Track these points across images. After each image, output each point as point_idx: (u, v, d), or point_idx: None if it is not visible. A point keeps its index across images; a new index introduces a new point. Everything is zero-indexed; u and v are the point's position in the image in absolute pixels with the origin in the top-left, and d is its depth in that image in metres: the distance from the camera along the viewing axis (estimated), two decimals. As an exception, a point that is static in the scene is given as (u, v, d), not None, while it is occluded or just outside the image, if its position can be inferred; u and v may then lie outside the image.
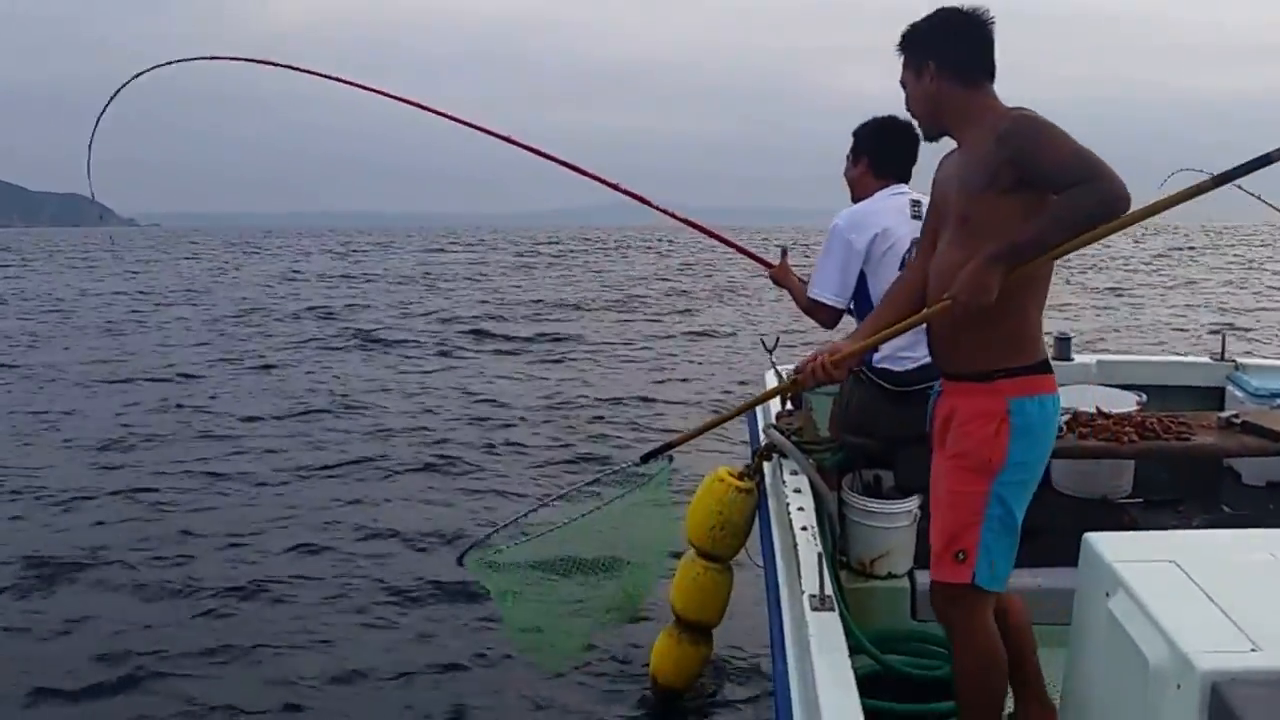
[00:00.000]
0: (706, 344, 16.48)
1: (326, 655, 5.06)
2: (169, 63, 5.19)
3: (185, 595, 5.85)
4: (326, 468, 8.74)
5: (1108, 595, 2.22)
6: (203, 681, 4.79)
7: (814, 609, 2.65)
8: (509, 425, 10.36)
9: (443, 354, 15.83)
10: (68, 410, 11.26)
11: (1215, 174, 2.65)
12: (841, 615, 2.75)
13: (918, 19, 2.99)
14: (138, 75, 5.27)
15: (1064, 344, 5.44)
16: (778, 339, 4.55)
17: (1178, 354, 6.37)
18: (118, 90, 5.31)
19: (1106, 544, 2.35)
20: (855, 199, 4.01)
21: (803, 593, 2.75)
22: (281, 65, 5.22)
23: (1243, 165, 2.54)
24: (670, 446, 3.93)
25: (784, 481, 3.60)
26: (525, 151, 4.79)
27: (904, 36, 2.98)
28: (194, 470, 8.58)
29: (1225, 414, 4.40)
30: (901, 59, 3.00)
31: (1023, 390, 2.73)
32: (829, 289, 3.88)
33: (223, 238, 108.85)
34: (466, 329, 18.99)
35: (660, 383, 12.76)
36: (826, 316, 3.94)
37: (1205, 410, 4.76)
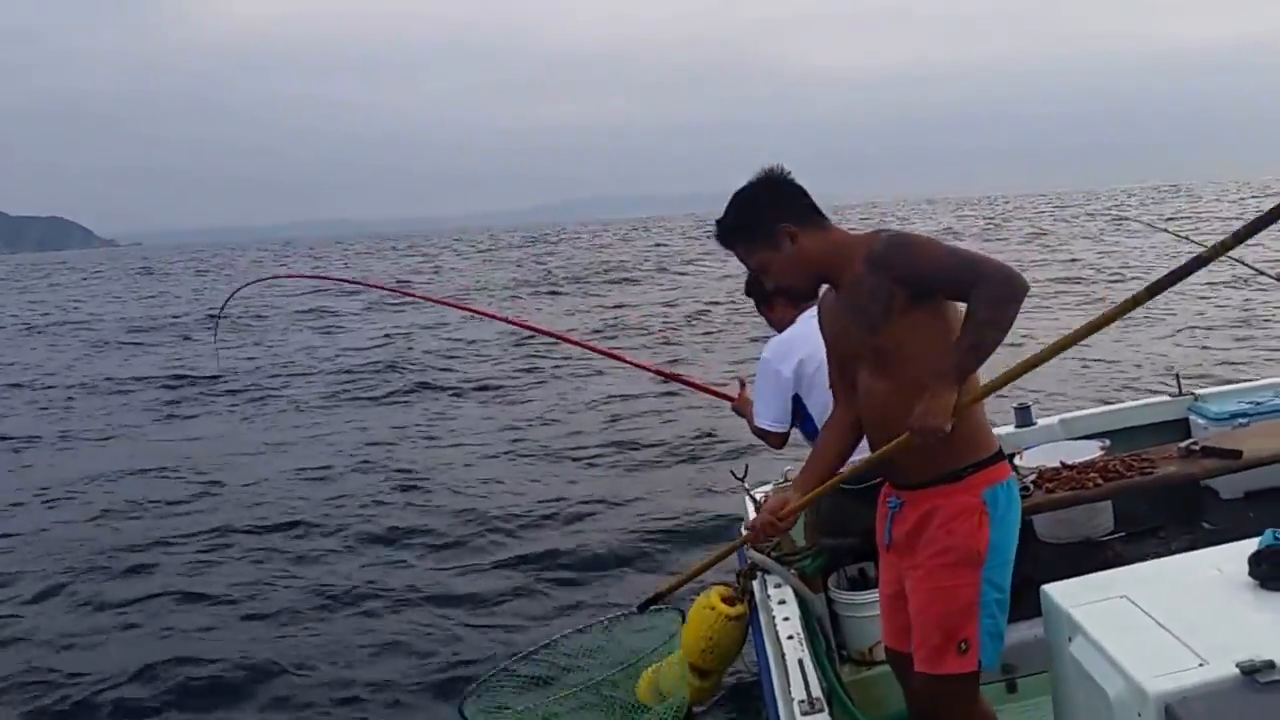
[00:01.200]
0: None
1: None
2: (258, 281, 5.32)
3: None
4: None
5: (1069, 640, 2.33)
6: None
7: (804, 713, 2.74)
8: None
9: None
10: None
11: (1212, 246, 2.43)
12: (846, 709, 2.85)
13: (728, 211, 2.99)
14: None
15: (1024, 412, 5.58)
16: (746, 468, 4.68)
17: (1136, 399, 6.52)
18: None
19: (1061, 592, 2.48)
20: (782, 331, 4.20)
21: (792, 699, 2.84)
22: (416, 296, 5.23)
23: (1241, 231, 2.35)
24: (662, 596, 4.02)
25: (769, 595, 3.71)
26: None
27: (734, 227, 2.98)
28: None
29: (1184, 443, 4.55)
30: (745, 249, 2.98)
31: (991, 480, 2.82)
32: (768, 417, 4.11)
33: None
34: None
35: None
36: (775, 440, 4.16)
37: (1172, 442, 4.90)
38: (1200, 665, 1.97)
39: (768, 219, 2.92)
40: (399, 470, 11.13)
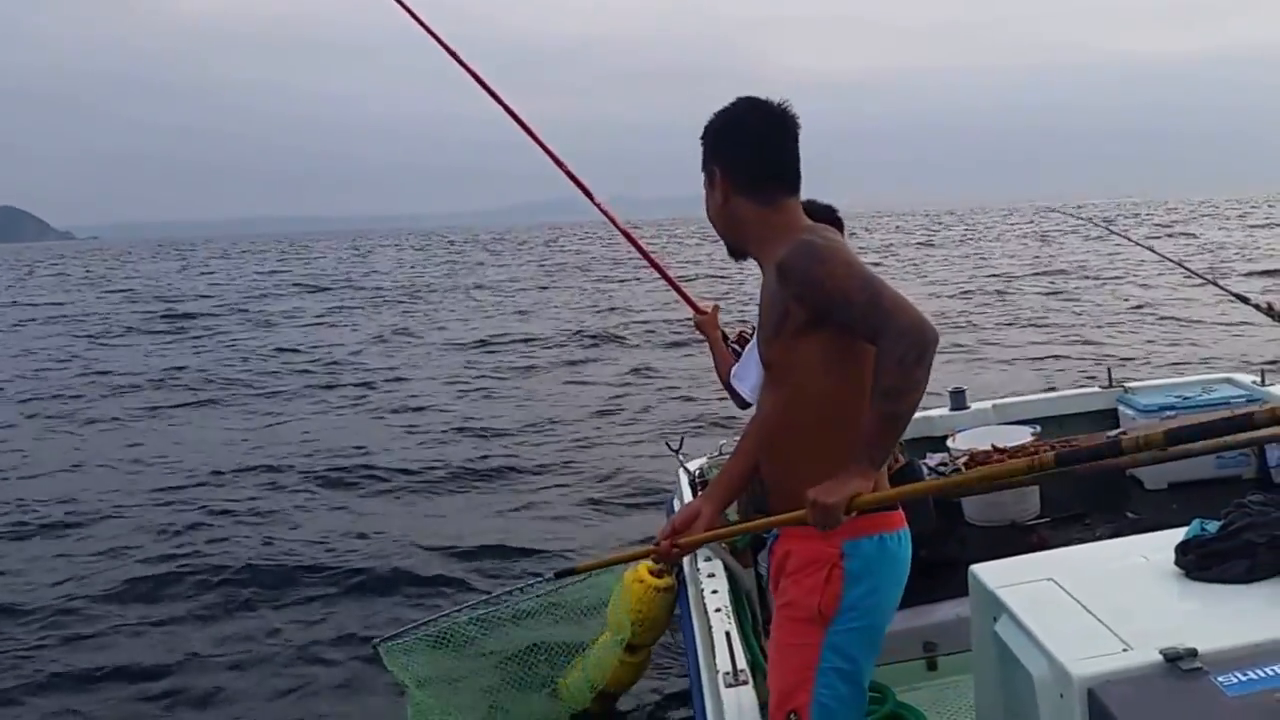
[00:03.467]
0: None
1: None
2: None
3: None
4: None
5: (994, 620, 2.33)
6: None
7: (728, 685, 2.73)
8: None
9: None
10: None
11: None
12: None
13: (721, 108, 2.62)
14: None
15: (959, 395, 5.62)
16: (682, 440, 4.64)
17: (1073, 390, 6.62)
18: None
19: (988, 572, 2.47)
20: None
21: (717, 671, 2.82)
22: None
23: None
24: (585, 570, 3.95)
25: (699, 569, 3.69)
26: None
27: (703, 130, 2.64)
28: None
29: (1113, 433, 4.60)
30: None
31: (858, 530, 2.43)
32: (749, 382, 3.93)
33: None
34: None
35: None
36: (739, 401, 4.01)
37: (1101, 432, 4.97)
38: (1124, 650, 1.98)
39: (709, 148, 2.62)
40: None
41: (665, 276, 4.42)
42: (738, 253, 2.68)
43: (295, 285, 39.52)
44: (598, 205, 4.51)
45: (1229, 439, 3.14)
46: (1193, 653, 1.92)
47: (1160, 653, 1.93)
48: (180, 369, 17.76)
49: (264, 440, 11.92)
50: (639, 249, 4.48)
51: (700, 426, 11.11)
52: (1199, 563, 2.34)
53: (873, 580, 2.47)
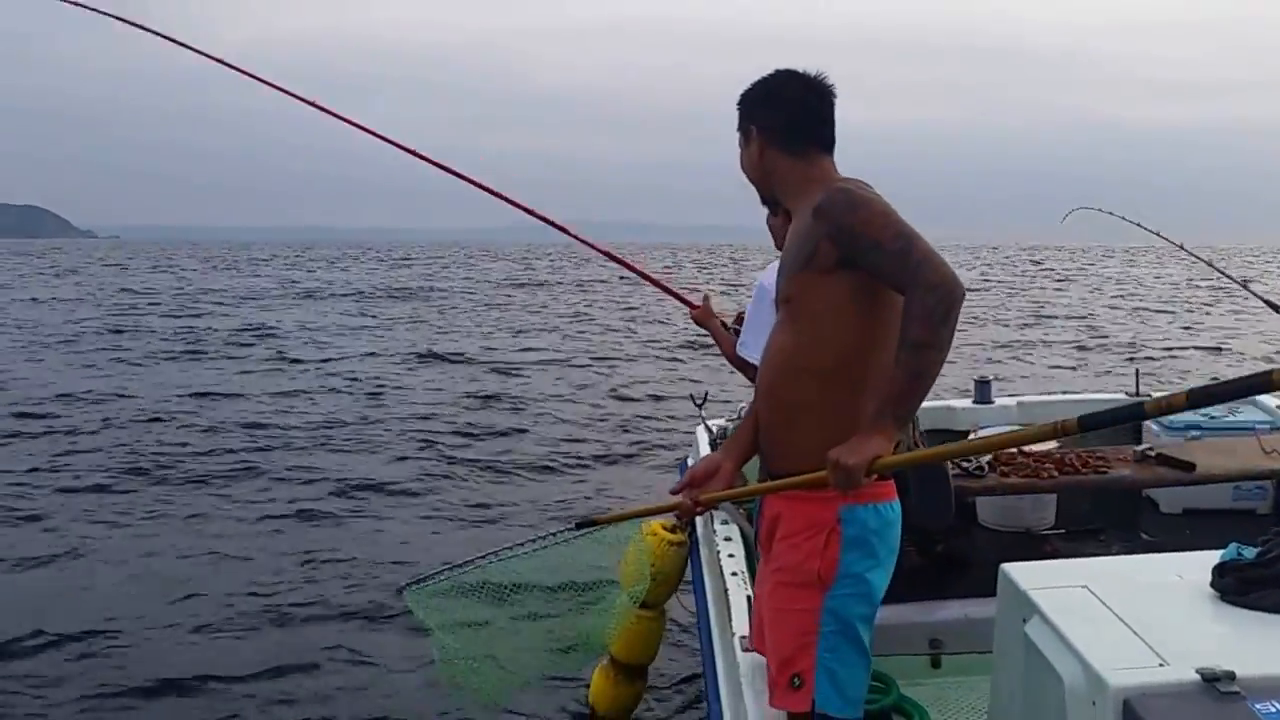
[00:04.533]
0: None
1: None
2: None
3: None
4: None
5: (1024, 621, 2.30)
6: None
7: (745, 650, 2.70)
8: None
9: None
10: None
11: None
12: None
13: (760, 77, 2.76)
14: None
15: (984, 387, 5.59)
16: (706, 394, 4.62)
17: (1098, 393, 6.57)
18: None
19: (1022, 573, 2.44)
20: (780, 246, 4.07)
21: (733, 634, 2.80)
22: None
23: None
24: (606, 521, 3.94)
25: (715, 531, 3.67)
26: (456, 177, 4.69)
27: (741, 95, 2.77)
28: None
29: (1141, 447, 4.56)
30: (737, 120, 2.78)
31: (856, 497, 2.44)
32: (754, 349, 3.91)
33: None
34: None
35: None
36: (750, 377, 3.99)
37: (1123, 444, 4.92)
38: (1161, 665, 1.95)
39: (746, 110, 2.73)
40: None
41: (654, 282, 4.56)
42: (769, 201, 2.87)
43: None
44: (577, 237, 4.79)
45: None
46: (1230, 675, 1.89)
47: (1198, 672, 1.90)
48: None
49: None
50: (623, 263, 4.64)
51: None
52: (1236, 587, 2.30)
53: (869, 548, 2.49)
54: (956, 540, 4.36)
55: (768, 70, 2.76)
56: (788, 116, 2.66)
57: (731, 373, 4.20)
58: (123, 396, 13.53)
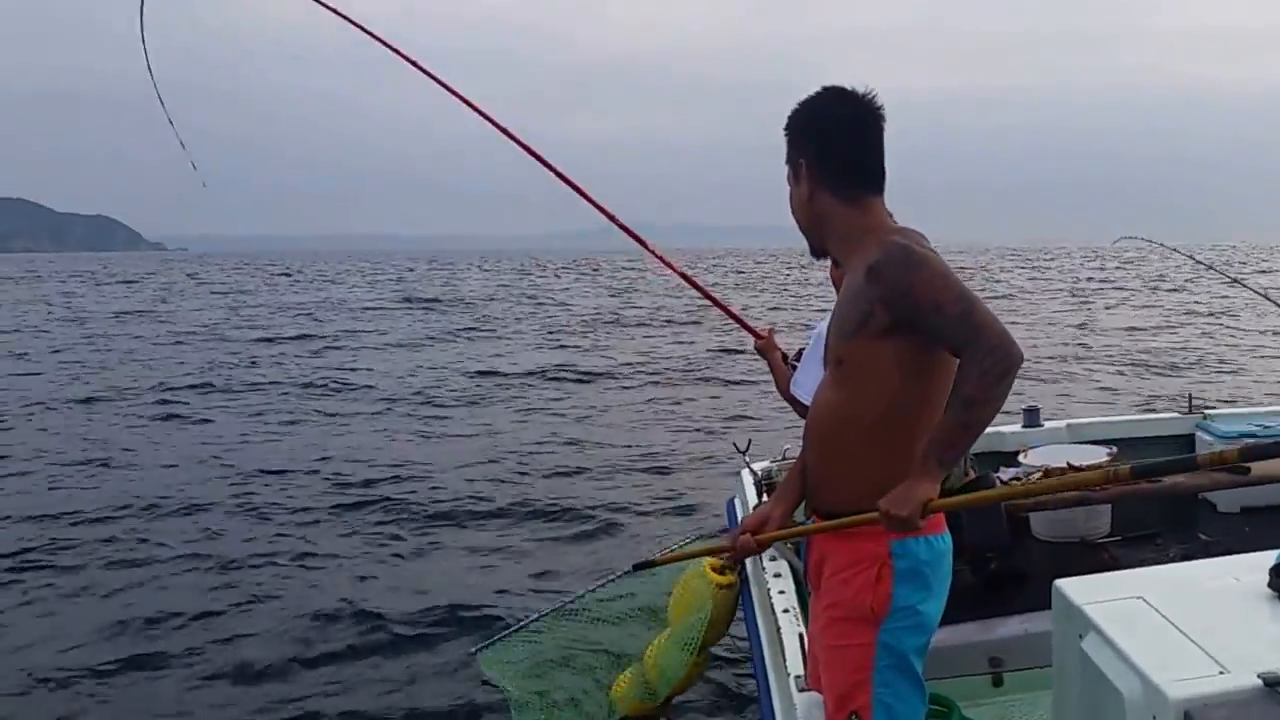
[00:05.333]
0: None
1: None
2: None
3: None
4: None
5: (1080, 637, 2.28)
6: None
7: (800, 689, 2.69)
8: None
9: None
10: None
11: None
12: None
13: (805, 97, 2.58)
14: None
15: (1033, 414, 5.58)
16: (749, 442, 4.66)
17: (1148, 414, 6.53)
18: None
19: (1075, 588, 2.41)
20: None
21: (788, 674, 2.79)
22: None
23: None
24: (662, 563, 3.96)
25: (764, 568, 3.67)
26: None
27: (788, 119, 2.60)
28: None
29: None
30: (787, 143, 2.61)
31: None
32: (805, 389, 3.91)
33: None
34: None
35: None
36: (801, 412, 4.00)
37: (1177, 455, 4.89)
38: (1220, 673, 1.92)
39: (792, 138, 2.58)
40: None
41: (723, 309, 4.56)
42: (818, 251, 2.66)
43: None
44: (653, 253, 4.68)
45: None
46: None
47: (1259, 676, 1.87)
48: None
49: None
50: (697, 287, 4.62)
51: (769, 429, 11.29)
52: (1295, 587, 2.27)
53: (922, 580, 2.49)
54: (1011, 556, 4.33)
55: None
56: (841, 151, 2.53)
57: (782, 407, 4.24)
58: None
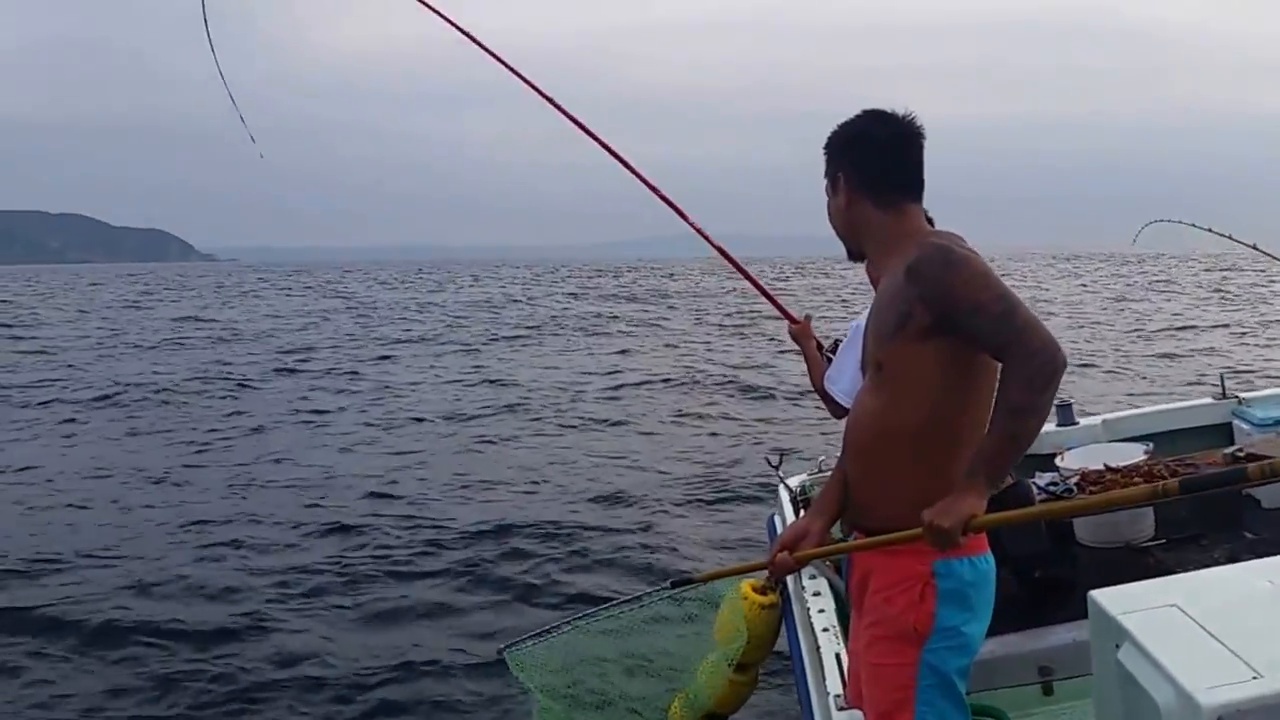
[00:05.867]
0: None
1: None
2: None
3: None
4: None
5: (1116, 647, 2.28)
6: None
7: (840, 708, 2.71)
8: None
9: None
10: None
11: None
12: None
13: (844, 120, 2.66)
14: None
15: (1065, 410, 5.53)
16: (782, 456, 4.65)
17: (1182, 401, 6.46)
18: None
19: (1110, 598, 2.42)
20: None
21: (828, 693, 2.81)
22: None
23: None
24: (702, 580, 3.96)
25: (804, 586, 3.68)
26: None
27: (827, 139, 2.69)
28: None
29: (1230, 449, 4.50)
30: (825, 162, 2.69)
31: (950, 551, 2.40)
32: (841, 386, 3.87)
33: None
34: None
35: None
36: (834, 409, 3.95)
37: (1216, 448, 4.84)
38: (1254, 679, 1.93)
39: (834, 155, 2.65)
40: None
41: (759, 288, 4.44)
42: (856, 254, 2.70)
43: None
44: (689, 222, 4.48)
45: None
46: None
47: None
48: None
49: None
50: (733, 263, 4.51)
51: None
52: (1331, 588, 2.27)
53: (967, 601, 2.47)
54: (1056, 563, 4.31)
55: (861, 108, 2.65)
56: (877, 164, 2.58)
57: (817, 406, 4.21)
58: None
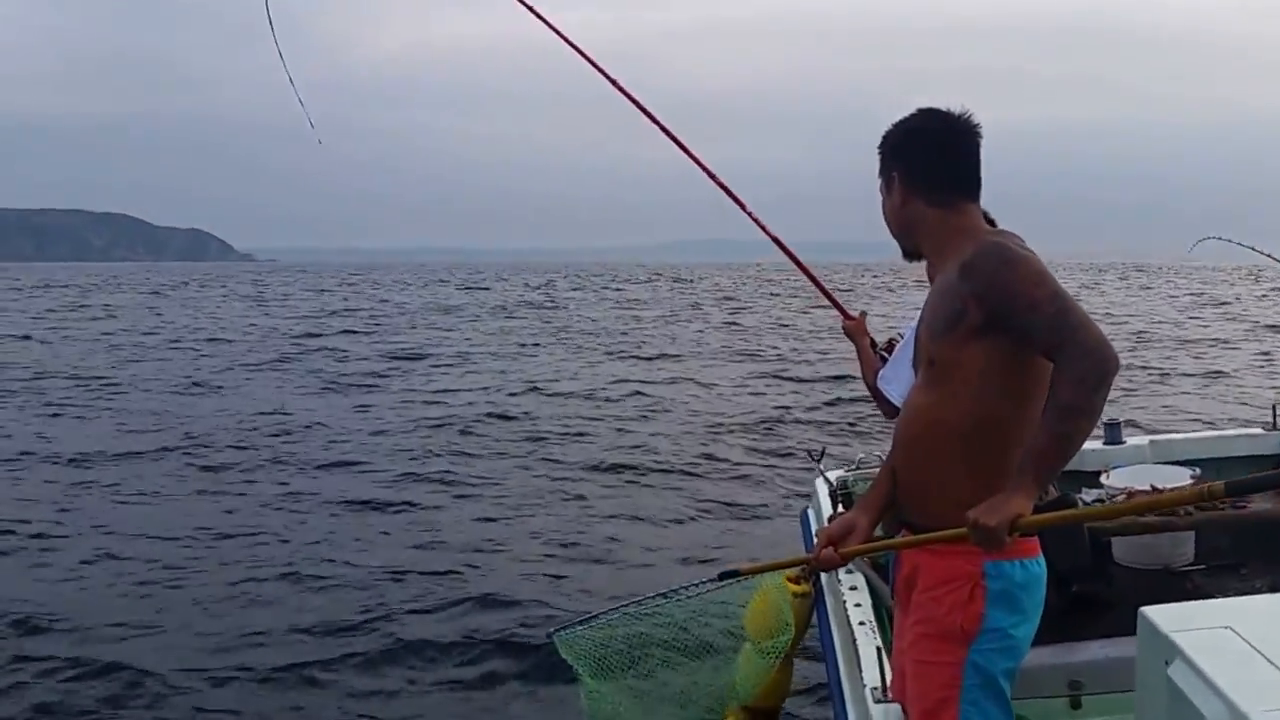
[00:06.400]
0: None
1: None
2: None
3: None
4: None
5: (1167, 664, 2.26)
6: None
7: (876, 701, 2.70)
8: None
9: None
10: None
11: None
12: None
13: (899, 119, 2.65)
14: None
15: (1114, 429, 5.48)
16: (823, 450, 4.65)
17: (1230, 428, 6.38)
18: None
19: (1162, 615, 2.39)
20: None
21: (864, 685, 2.80)
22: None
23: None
24: (748, 573, 3.95)
25: (840, 580, 3.67)
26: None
27: (882, 138, 2.67)
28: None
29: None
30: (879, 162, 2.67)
31: (1003, 552, 2.39)
32: (895, 385, 3.84)
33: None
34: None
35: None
36: (887, 409, 3.93)
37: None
38: None
39: (889, 154, 2.63)
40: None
41: (816, 282, 4.39)
42: (911, 253, 2.69)
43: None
44: (749, 214, 4.52)
45: None
46: None
47: None
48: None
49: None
50: (790, 255, 4.46)
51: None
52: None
53: (1016, 603, 2.47)
54: (1093, 580, 4.27)
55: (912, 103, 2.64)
56: (931, 162, 2.57)
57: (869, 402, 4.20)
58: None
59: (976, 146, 2.58)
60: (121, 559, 7.90)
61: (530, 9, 4.84)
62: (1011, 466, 2.37)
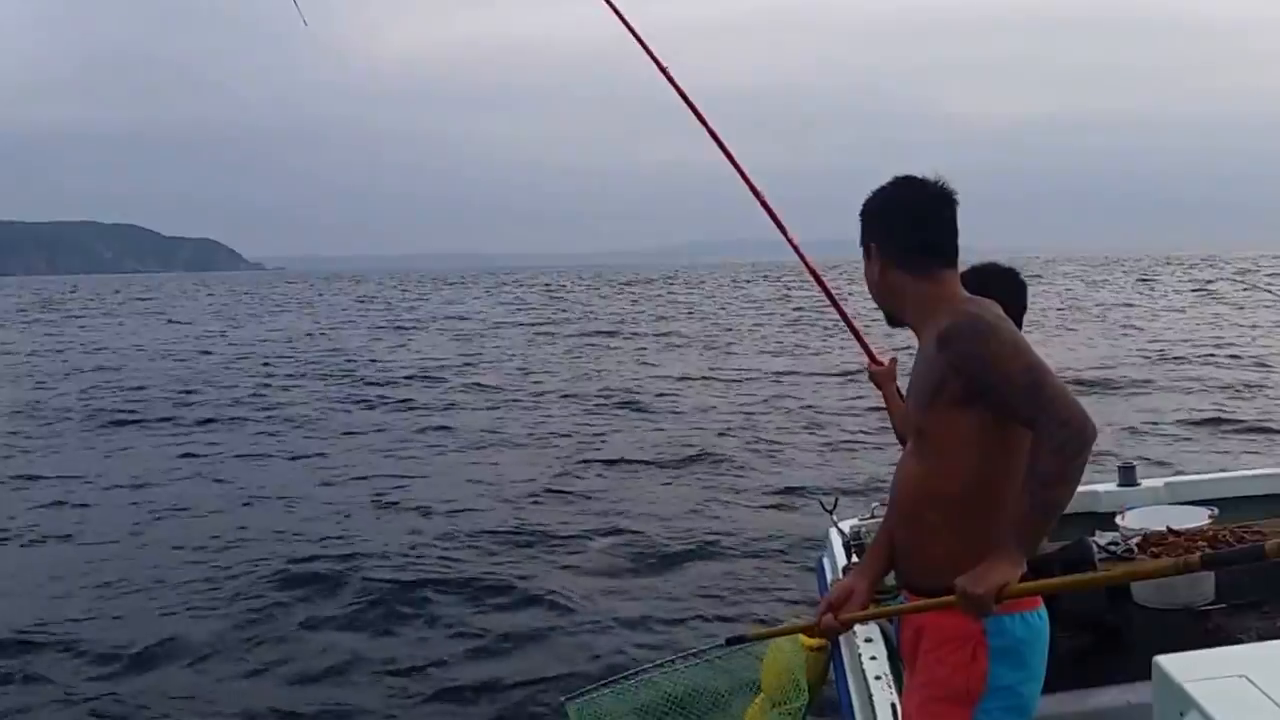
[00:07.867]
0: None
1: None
2: None
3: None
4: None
5: (1181, 715, 2.24)
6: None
7: None
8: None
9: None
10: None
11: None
12: None
13: (877, 188, 2.67)
14: None
15: (1129, 471, 5.45)
16: (836, 500, 4.65)
17: (1246, 468, 6.33)
18: None
19: (1176, 665, 2.37)
20: None
21: None
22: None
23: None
24: (755, 637, 3.91)
25: (854, 632, 3.65)
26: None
27: (860, 210, 2.71)
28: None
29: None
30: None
31: (1002, 607, 2.38)
32: None
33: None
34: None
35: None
36: None
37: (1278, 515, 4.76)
38: None
39: (862, 224, 2.68)
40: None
41: (849, 324, 4.30)
42: (895, 320, 2.71)
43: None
44: (795, 248, 4.44)
45: None
46: None
47: None
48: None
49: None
50: (827, 293, 4.37)
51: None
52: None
53: (1020, 659, 2.46)
54: (1111, 623, 4.24)
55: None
56: (907, 231, 2.59)
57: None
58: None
59: (953, 214, 2.61)
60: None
61: (612, 6, 4.87)
62: (1003, 530, 2.39)
